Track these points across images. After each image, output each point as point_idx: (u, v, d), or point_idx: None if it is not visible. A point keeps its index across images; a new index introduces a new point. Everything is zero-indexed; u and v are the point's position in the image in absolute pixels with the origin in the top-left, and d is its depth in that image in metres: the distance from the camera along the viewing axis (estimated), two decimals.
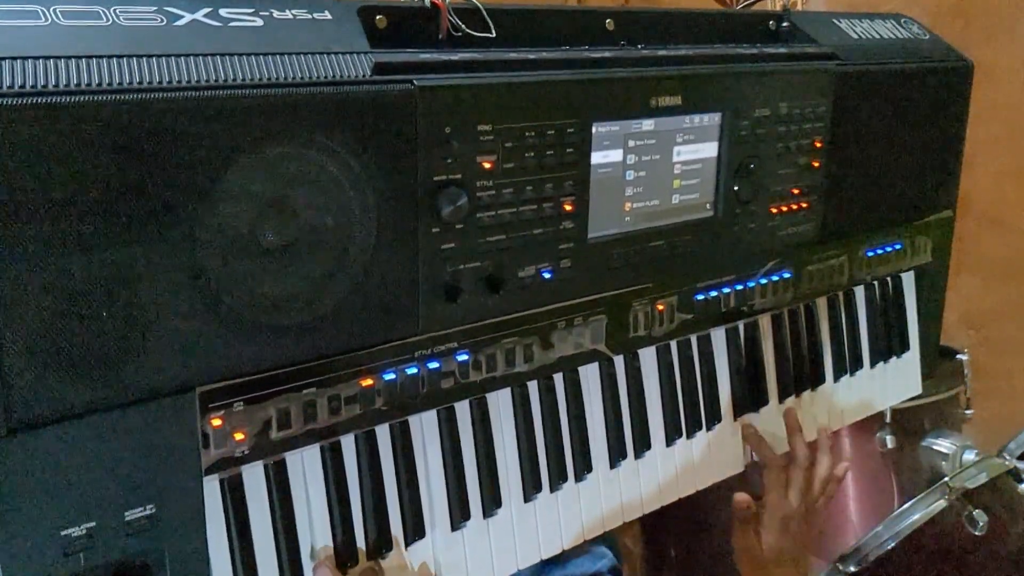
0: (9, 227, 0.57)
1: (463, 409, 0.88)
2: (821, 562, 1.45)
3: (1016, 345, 2.24)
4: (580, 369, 0.96)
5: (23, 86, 0.57)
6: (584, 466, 0.97)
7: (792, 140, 1.05)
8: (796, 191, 1.08)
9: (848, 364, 1.26)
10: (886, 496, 1.55)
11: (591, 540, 1.01)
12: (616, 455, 1.00)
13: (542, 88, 0.82)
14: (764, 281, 1.12)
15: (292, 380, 0.75)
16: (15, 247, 0.58)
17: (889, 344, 1.31)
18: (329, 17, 0.75)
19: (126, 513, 0.67)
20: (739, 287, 1.09)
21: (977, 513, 1.38)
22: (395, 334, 0.79)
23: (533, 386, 0.93)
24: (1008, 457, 1.58)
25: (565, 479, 0.96)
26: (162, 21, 0.67)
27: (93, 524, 0.66)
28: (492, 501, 0.90)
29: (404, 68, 0.74)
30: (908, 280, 1.33)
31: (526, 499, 0.93)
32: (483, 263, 0.82)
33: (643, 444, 1.03)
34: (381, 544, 0.83)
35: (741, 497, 1.13)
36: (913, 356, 1.36)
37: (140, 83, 0.61)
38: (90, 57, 0.61)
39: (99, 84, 0.60)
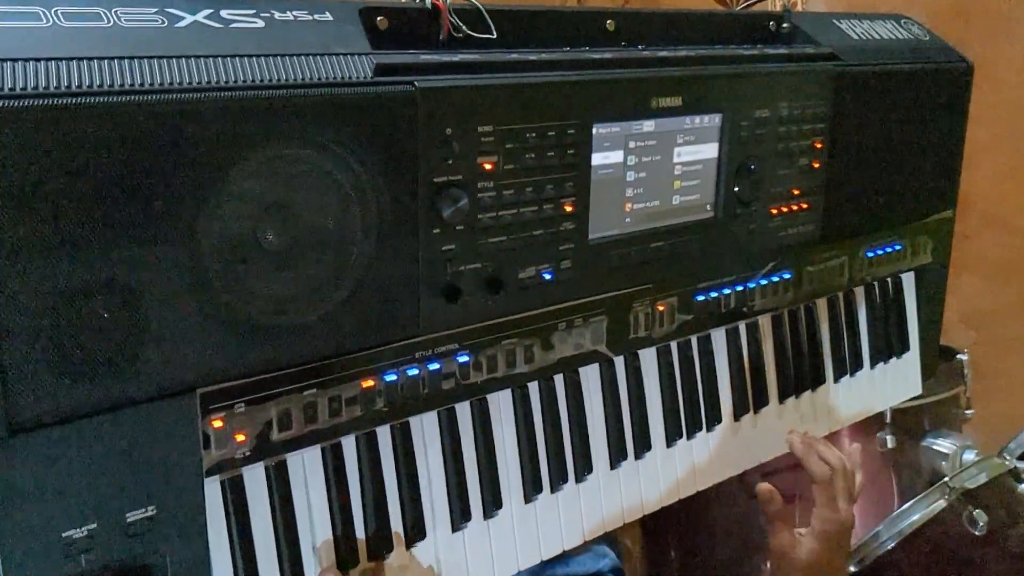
0: (10, 228, 0.57)
1: (464, 410, 0.88)
2: None
3: (1016, 345, 2.24)
4: (580, 370, 0.96)
5: (24, 88, 0.57)
6: (584, 467, 0.97)
7: (792, 141, 1.05)
8: (796, 192, 1.08)
9: (848, 364, 1.26)
10: (886, 496, 1.55)
11: (593, 539, 1.01)
12: (616, 456, 1.00)
13: (543, 89, 0.82)
14: (764, 282, 1.12)
15: (293, 381, 0.75)
16: (16, 248, 0.58)
17: (889, 344, 1.31)
18: (330, 18, 0.76)
19: (127, 514, 0.67)
20: (739, 288, 1.09)
21: (977, 513, 1.38)
22: (396, 335, 0.79)
23: (534, 387, 0.93)
24: (1008, 457, 1.58)
25: (565, 480, 0.96)
26: (163, 23, 0.67)
27: (94, 526, 0.66)
28: (493, 502, 0.90)
29: (405, 69, 0.74)
30: (908, 280, 1.33)
31: (527, 500, 0.93)
32: (484, 264, 0.82)
33: (643, 445, 1.03)
34: (382, 545, 0.83)
35: (765, 488, 1.08)
36: (913, 356, 1.36)
37: (141, 85, 0.61)
38: (91, 59, 0.61)
39: (100, 86, 0.60)
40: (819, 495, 1.08)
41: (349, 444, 0.81)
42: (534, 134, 0.82)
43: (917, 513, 1.39)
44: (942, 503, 1.39)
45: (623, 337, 0.98)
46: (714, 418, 1.10)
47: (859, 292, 1.27)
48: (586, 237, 0.90)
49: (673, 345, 1.05)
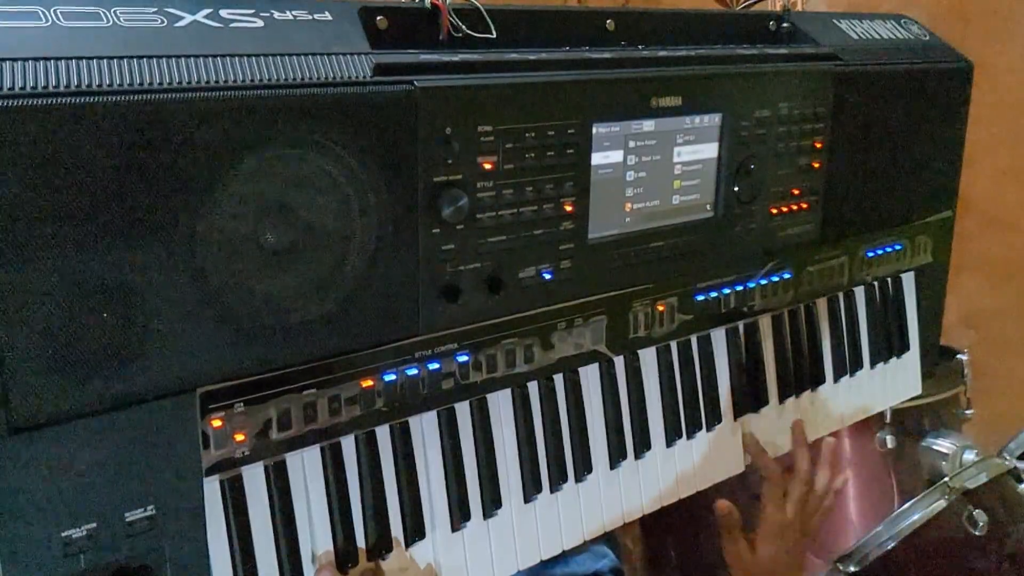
0: (10, 228, 0.57)
1: (463, 410, 0.88)
2: (821, 562, 1.45)
3: (1016, 345, 2.24)
4: (580, 370, 0.96)
5: (24, 87, 0.57)
6: (584, 467, 0.97)
7: (792, 140, 1.05)
8: (796, 191, 1.08)
9: (848, 364, 1.26)
10: (886, 496, 1.55)
11: (592, 539, 1.01)
12: (616, 456, 1.00)
13: (542, 89, 0.82)
14: (764, 281, 1.12)
15: (292, 381, 0.75)
16: (16, 248, 0.58)
17: (889, 344, 1.31)
18: (329, 18, 0.76)
19: (127, 514, 0.67)
20: (739, 287, 1.09)
21: (977, 513, 1.38)
22: (395, 335, 0.79)
23: (533, 387, 0.93)
24: (1008, 457, 1.58)
25: (565, 480, 0.96)
26: (163, 22, 0.67)
27: (94, 525, 0.66)
28: (492, 502, 0.90)
29: (405, 69, 0.74)
30: (908, 280, 1.33)
31: (526, 500, 0.93)
32: (483, 264, 0.82)
33: (643, 445, 1.03)
34: (381, 545, 0.83)
35: (723, 504, 1.14)
36: (913, 356, 1.36)
37: (141, 84, 0.61)
38: (91, 58, 0.61)
39: (100, 85, 0.60)
40: (766, 492, 1.13)
41: (348, 444, 0.81)
42: (534, 134, 0.82)
43: (917, 513, 1.39)
44: (942, 503, 1.39)
45: (623, 337, 0.98)
46: (714, 418, 1.10)
47: (859, 292, 1.27)
48: (586, 237, 0.90)
49: (673, 345, 1.05)
